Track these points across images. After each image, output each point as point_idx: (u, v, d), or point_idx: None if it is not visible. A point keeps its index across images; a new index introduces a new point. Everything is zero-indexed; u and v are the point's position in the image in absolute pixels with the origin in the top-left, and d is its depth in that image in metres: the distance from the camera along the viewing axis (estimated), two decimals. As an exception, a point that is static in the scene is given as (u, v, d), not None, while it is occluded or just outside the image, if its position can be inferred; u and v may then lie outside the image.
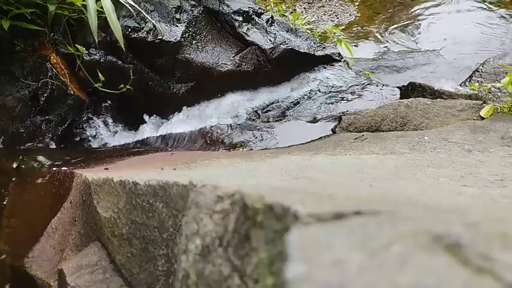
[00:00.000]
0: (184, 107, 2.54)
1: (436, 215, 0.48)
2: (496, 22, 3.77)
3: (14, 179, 1.61)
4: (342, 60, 2.88)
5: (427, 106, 2.00)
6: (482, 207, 0.67)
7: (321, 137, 2.03)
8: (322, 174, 1.11)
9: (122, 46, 2.02)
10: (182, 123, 2.46)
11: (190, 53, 2.51)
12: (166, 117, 2.51)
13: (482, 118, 1.92)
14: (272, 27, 2.78)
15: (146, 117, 2.48)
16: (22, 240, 1.39)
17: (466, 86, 2.46)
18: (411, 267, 0.34)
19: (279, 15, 3.55)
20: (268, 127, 2.26)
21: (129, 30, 2.31)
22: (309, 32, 3.37)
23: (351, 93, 2.63)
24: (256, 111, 2.54)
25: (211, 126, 2.25)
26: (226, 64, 2.58)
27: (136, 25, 2.35)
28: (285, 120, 2.42)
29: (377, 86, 2.67)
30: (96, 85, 2.17)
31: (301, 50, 2.75)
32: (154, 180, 0.92)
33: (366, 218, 0.44)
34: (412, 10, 4.23)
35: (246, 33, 2.67)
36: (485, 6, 4.03)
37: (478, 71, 2.57)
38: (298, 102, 2.62)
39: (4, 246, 1.40)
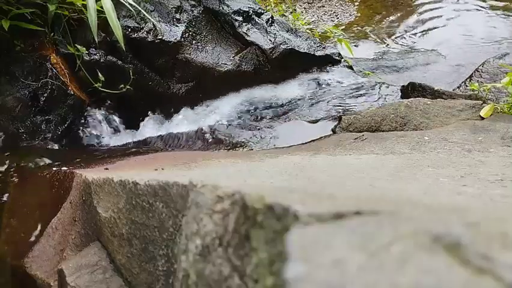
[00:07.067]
0: (184, 107, 2.53)
1: (436, 215, 0.48)
2: (496, 22, 3.77)
3: (14, 179, 1.61)
4: (343, 60, 2.88)
5: (427, 106, 2.00)
6: (482, 207, 0.67)
7: (321, 137, 2.03)
8: (322, 174, 1.11)
9: (122, 46, 2.02)
10: (182, 123, 2.46)
11: (190, 53, 2.51)
12: (166, 117, 2.51)
13: (482, 118, 1.92)
14: (272, 27, 2.78)
15: (146, 117, 2.48)
16: (22, 240, 1.39)
17: (466, 85, 2.46)
18: (411, 267, 0.34)
19: (279, 15, 3.55)
20: (268, 127, 2.26)
21: (129, 30, 2.31)
22: (309, 32, 3.37)
23: (351, 93, 2.63)
24: (256, 111, 2.54)
25: (211, 126, 2.25)
26: (226, 64, 2.57)
27: (136, 25, 2.35)
28: (285, 120, 2.42)
29: (377, 86, 2.67)
30: (96, 85, 2.17)
31: (302, 50, 2.75)
32: (154, 180, 0.92)
33: (366, 218, 0.44)
34: (412, 10, 4.23)
35: (246, 33, 2.67)
36: (485, 6, 4.03)
37: (478, 71, 2.57)
38: (298, 102, 2.62)
39: (4, 246, 1.40)
